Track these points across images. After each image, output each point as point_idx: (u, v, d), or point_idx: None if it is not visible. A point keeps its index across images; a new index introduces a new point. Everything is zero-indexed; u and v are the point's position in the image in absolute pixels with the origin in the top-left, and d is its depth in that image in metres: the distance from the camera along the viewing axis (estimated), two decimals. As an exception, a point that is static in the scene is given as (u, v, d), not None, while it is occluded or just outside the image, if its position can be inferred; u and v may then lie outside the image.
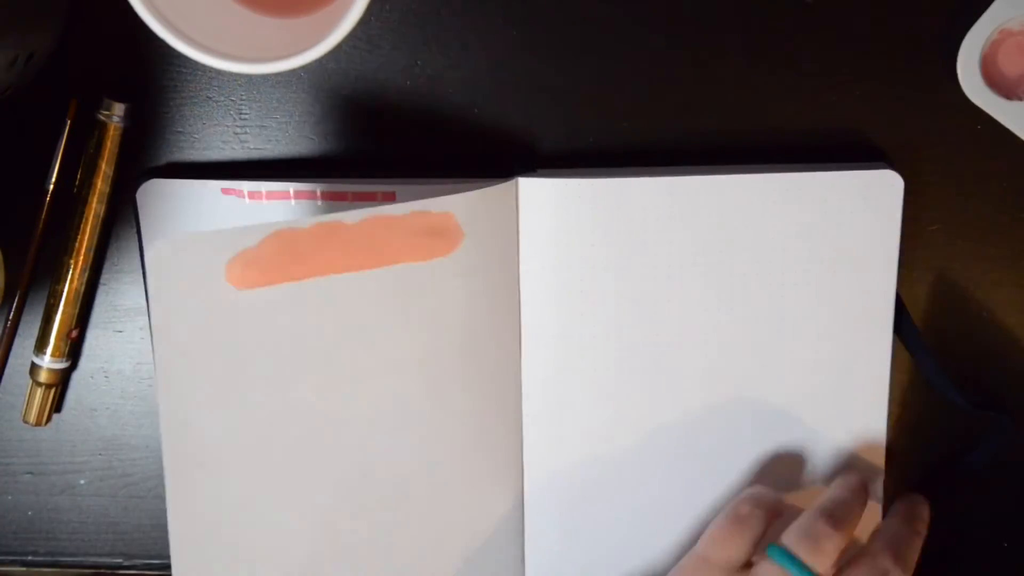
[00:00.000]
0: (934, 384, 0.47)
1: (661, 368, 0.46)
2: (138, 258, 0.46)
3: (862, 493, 0.43)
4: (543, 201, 0.44)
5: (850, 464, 0.47)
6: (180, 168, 0.46)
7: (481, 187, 0.43)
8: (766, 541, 0.42)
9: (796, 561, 0.39)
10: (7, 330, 0.46)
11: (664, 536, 0.47)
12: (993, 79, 0.45)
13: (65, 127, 0.45)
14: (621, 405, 0.46)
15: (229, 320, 0.41)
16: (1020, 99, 0.45)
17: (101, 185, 0.45)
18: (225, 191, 0.45)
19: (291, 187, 0.44)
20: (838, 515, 0.41)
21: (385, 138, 0.46)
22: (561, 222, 0.44)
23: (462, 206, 0.43)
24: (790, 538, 0.41)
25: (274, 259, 0.40)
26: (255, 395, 0.43)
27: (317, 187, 0.44)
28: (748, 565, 0.42)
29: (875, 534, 0.44)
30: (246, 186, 0.44)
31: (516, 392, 0.46)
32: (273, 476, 0.44)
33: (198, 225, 0.44)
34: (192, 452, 0.43)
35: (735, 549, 0.42)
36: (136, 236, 0.45)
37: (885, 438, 0.47)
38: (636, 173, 0.45)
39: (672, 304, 0.45)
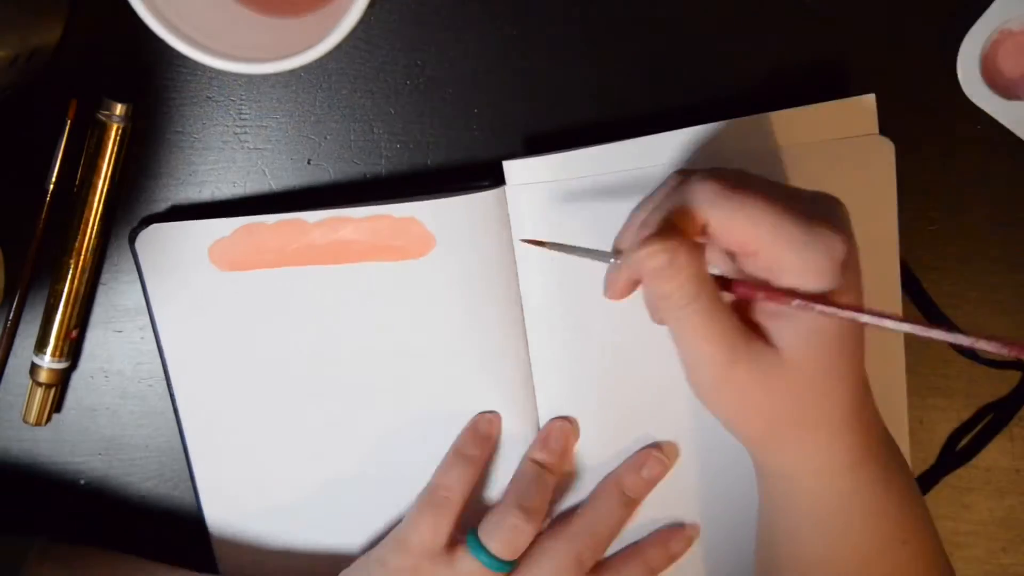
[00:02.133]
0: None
1: (665, 355, 0.46)
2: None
3: (545, 479, 0.46)
4: (528, 206, 0.45)
5: None
6: (180, 172, 0.47)
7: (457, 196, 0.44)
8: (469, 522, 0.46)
9: (487, 552, 0.44)
10: (7, 330, 0.46)
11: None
12: (993, 79, 0.45)
13: (65, 127, 0.45)
14: (631, 394, 0.47)
15: (220, 294, 0.45)
16: (1020, 99, 0.45)
17: (101, 185, 0.45)
18: None
19: (281, 219, 0.45)
20: (527, 505, 0.45)
21: (385, 138, 0.47)
22: (554, 223, 0.45)
23: (427, 212, 0.44)
24: (485, 528, 0.45)
25: (245, 248, 0.45)
26: (251, 359, 0.46)
27: (315, 217, 0.44)
28: (451, 545, 0.45)
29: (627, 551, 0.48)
30: (241, 222, 0.45)
31: (529, 393, 0.47)
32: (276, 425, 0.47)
33: (199, 266, 0.45)
34: (206, 407, 0.47)
35: (431, 533, 0.44)
36: (138, 278, 0.45)
37: (906, 402, 0.47)
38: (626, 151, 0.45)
39: None
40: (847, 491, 0.39)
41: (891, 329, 0.35)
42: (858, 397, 0.38)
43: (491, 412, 0.46)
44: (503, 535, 0.44)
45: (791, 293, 0.36)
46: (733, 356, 0.36)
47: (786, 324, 0.36)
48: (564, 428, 0.46)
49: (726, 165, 0.44)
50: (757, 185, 0.37)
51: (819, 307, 0.35)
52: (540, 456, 0.46)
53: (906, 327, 0.36)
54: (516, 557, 0.45)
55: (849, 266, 0.36)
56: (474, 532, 0.45)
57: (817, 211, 0.36)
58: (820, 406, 0.37)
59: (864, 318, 0.35)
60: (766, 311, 0.37)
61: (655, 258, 0.35)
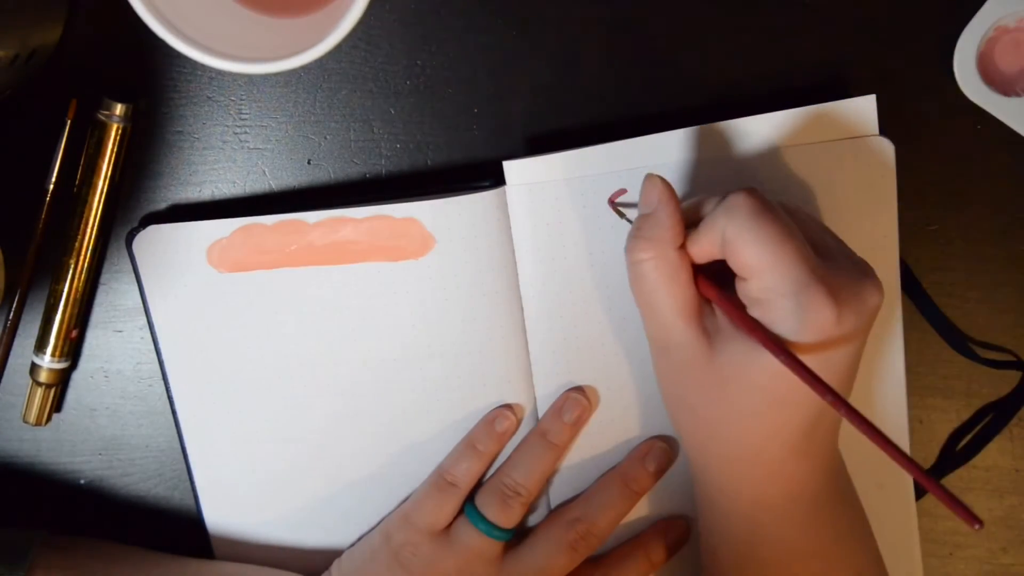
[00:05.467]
0: (949, 342, 0.48)
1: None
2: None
3: (548, 451, 0.46)
4: (528, 206, 0.45)
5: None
6: (180, 172, 0.47)
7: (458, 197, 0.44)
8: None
9: (484, 519, 0.45)
10: (7, 330, 0.46)
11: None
12: (991, 76, 0.45)
13: (65, 127, 0.45)
14: (631, 393, 0.47)
15: (218, 296, 0.45)
16: (1018, 95, 0.45)
17: (101, 185, 0.45)
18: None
19: (280, 219, 0.45)
20: (526, 474, 0.46)
21: (385, 138, 0.47)
22: (554, 223, 0.45)
23: (427, 213, 0.44)
24: (482, 496, 0.46)
25: (244, 249, 0.45)
26: (249, 361, 0.46)
27: (315, 217, 0.44)
28: (452, 524, 0.46)
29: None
30: (240, 223, 0.45)
31: (529, 393, 0.47)
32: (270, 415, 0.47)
33: (197, 268, 0.45)
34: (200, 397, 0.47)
35: (433, 516, 0.46)
36: (135, 279, 0.45)
37: (905, 398, 0.47)
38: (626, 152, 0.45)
39: None
40: (765, 523, 0.40)
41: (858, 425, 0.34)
42: (789, 444, 0.38)
43: (510, 406, 0.47)
44: (500, 502, 0.45)
45: (758, 326, 0.36)
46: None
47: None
48: (579, 401, 0.46)
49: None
50: (788, 220, 0.37)
51: (780, 357, 0.35)
52: (548, 426, 0.46)
53: (861, 425, 0.34)
54: (514, 525, 0.45)
55: (837, 343, 0.36)
56: (471, 502, 0.46)
57: (839, 280, 0.36)
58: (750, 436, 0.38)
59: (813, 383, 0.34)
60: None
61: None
